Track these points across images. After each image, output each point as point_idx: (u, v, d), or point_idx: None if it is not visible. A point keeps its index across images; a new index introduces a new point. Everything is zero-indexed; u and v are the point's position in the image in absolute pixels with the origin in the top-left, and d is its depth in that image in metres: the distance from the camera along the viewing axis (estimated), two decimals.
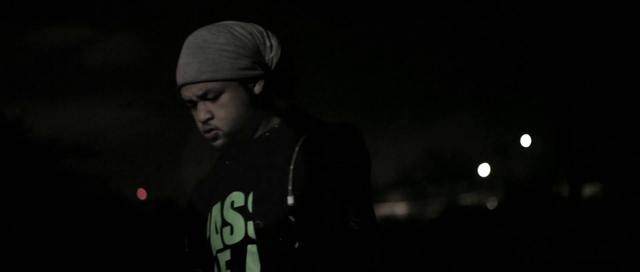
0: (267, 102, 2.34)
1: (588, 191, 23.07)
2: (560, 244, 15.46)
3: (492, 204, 29.64)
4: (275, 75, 2.35)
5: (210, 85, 2.29)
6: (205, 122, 2.31)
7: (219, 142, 2.33)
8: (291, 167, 2.24)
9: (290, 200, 2.21)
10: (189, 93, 2.31)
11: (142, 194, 24.59)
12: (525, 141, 29.80)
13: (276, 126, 2.36)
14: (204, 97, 2.30)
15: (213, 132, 2.32)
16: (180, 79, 2.32)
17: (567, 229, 17.14)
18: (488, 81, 31.89)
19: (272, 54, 2.34)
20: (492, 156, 32.79)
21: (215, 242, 2.34)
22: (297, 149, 2.25)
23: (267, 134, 2.35)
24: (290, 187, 2.22)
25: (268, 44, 2.35)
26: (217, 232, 2.34)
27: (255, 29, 2.37)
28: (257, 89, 2.30)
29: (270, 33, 2.38)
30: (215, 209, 2.36)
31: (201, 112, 2.31)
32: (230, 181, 2.36)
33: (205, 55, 2.30)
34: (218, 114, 2.30)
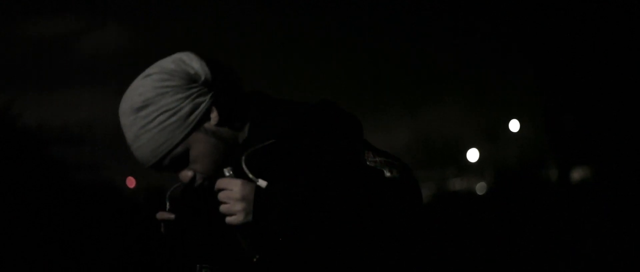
0: (230, 119, 2.21)
1: (577, 174, 23.14)
2: (549, 228, 15.50)
3: (481, 189, 29.69)
4: (220, 91, 2.18)
5: (173, 153, 2.16)
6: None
7: (213, 180, 2.20)
8: (243, 157, 2.10)
9: (262, 183, 2.09)
10: (160, 168, 2.21)
11: (131, 182, 24.58)
12: (514, 125, 29.87)
13: (246, 135, 2.22)
14: (174, 164, 2.20)
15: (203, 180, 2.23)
16: (142, 162, 2.19)
17: (555, 212, 17.19)
18: (476, 66, 31.92)
19: (203, 77, 2.16)
20: (481, 141, 32.85)
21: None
22: (244, 158, 2.11)
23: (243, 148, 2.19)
24: (250, 175, 2.10)
25: (192, 71, 2.16)
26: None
27: (175, 63, 2.17)
28: (214, 119, 2.17)
29: (185, 57, 2.18)
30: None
31: (182, 176, 2.21)
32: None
33: (149, 131, 2.14)
34: (197, 168, 2.19)
